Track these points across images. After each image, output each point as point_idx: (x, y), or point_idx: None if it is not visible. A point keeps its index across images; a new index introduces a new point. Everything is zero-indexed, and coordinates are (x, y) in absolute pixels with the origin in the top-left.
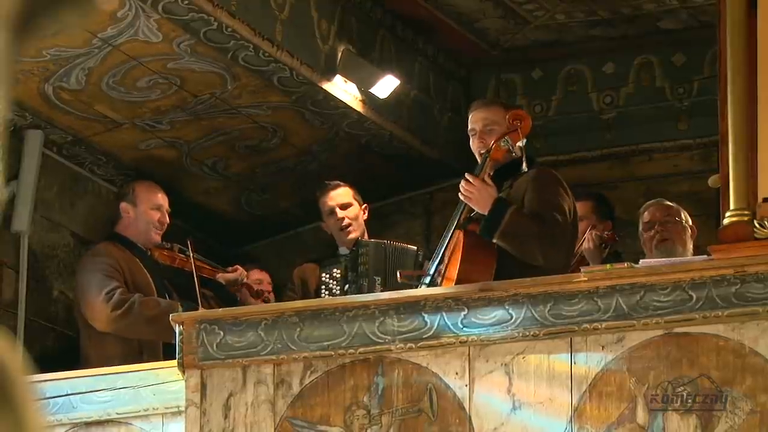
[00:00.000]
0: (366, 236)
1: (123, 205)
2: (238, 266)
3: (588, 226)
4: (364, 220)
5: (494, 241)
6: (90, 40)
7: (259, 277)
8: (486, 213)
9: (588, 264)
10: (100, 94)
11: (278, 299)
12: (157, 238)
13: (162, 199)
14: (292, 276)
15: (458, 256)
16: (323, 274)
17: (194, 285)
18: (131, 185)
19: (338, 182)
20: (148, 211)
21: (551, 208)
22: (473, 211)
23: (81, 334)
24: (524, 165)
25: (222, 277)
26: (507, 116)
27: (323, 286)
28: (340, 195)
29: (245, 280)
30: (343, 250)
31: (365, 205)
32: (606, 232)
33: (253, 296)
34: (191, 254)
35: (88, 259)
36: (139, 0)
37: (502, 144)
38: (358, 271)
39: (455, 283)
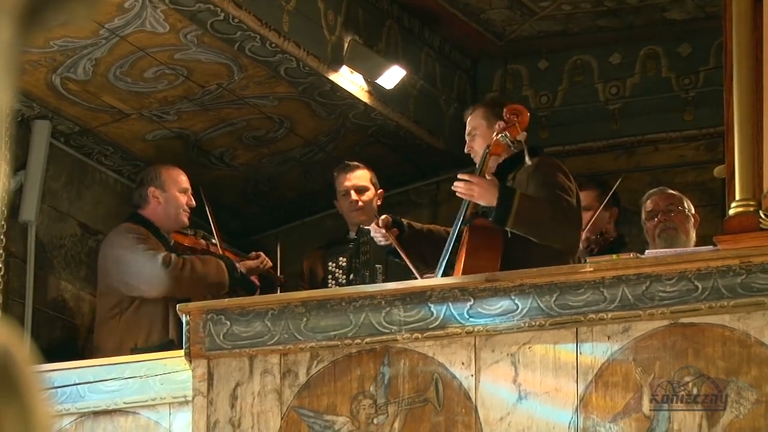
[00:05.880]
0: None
1: (151, 189)
2: (261, 253)
3: (593, 215)
4: (378, 206)
5: (508, 229)
6: (97, 31)
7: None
8: (494, 204)
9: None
10: (108, 85)
11: (283, 289)
12: (186, 221)
13: (187, 182)
14: (303, 268)
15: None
16: (330, 263)
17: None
18: (157, 169)
19: (358, 164)
20: (177, 195)
21: (557, 190)
22: (478, 206)
23: (107, 321)
24: (527, 158)
25: (244, 264)
26: (504, 111)
27: (329, 276)
28: (358, 177)
29: (266, 266)
30: (352, 235)
31: (380, 190)
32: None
33: (275, 283)
34: (207, 206)
35: (119, 238)
36: None
37: (501, 139)
38: (361, 260)
39: None
